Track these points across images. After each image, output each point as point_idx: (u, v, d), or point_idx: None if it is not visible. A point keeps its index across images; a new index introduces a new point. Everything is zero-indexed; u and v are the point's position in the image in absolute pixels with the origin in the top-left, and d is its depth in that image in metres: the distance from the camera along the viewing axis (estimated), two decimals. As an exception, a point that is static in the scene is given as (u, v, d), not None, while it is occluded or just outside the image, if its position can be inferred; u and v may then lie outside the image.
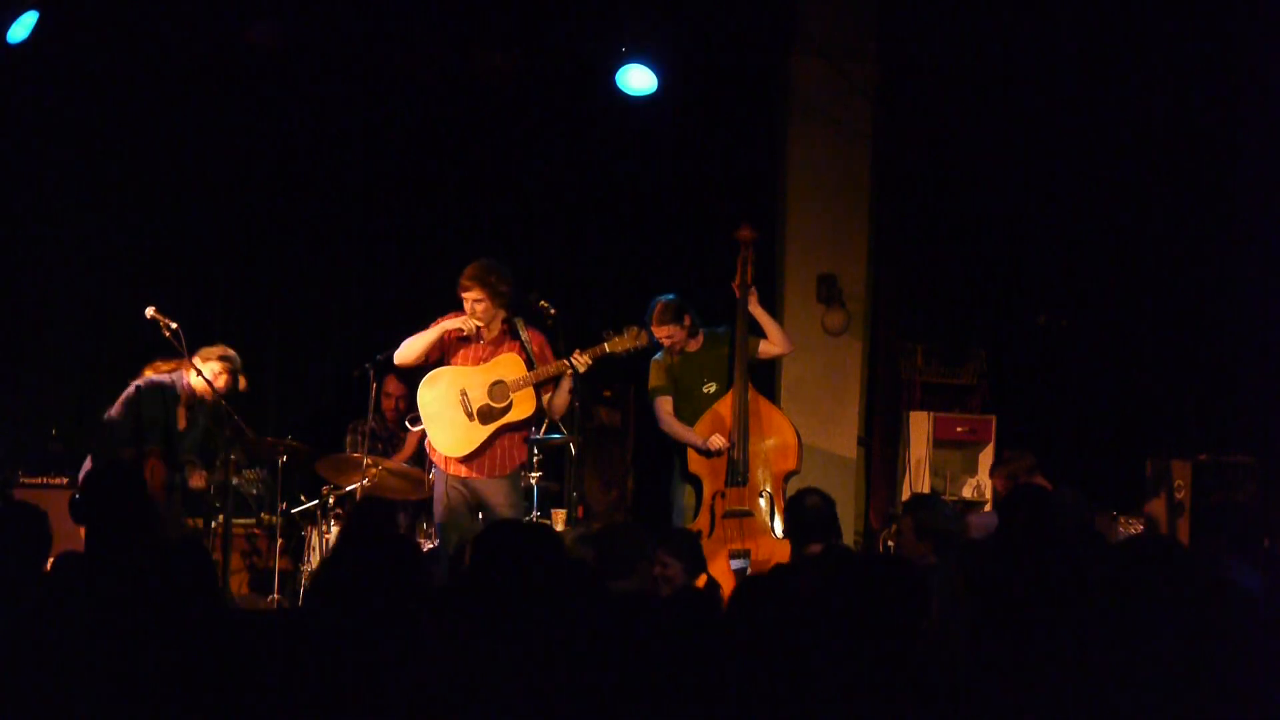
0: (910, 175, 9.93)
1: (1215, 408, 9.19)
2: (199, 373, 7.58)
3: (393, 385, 8.60)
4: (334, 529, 7.99)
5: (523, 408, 7.18)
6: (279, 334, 9.51)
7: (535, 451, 7.87)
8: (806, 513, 6.25)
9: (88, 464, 7.64)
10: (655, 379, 8.02)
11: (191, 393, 7.71)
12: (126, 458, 7.43)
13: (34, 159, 8.94)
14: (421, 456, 7.76)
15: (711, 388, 7.94)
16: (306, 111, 9.35)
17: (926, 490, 9.03)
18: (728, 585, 6.79)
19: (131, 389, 7.65)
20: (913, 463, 9.28)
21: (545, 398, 7.26)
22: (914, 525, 5.70)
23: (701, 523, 7.73)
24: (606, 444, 9.45)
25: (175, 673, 3.44)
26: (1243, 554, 5.72)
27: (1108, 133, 9.50)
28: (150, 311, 7.54)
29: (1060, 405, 9.65)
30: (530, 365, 7.19)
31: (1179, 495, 8.55)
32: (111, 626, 3.61)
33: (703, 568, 6.25)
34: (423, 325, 7.32)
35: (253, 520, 8.37)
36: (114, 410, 7.62)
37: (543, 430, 7.87)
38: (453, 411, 7.18)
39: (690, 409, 7.93)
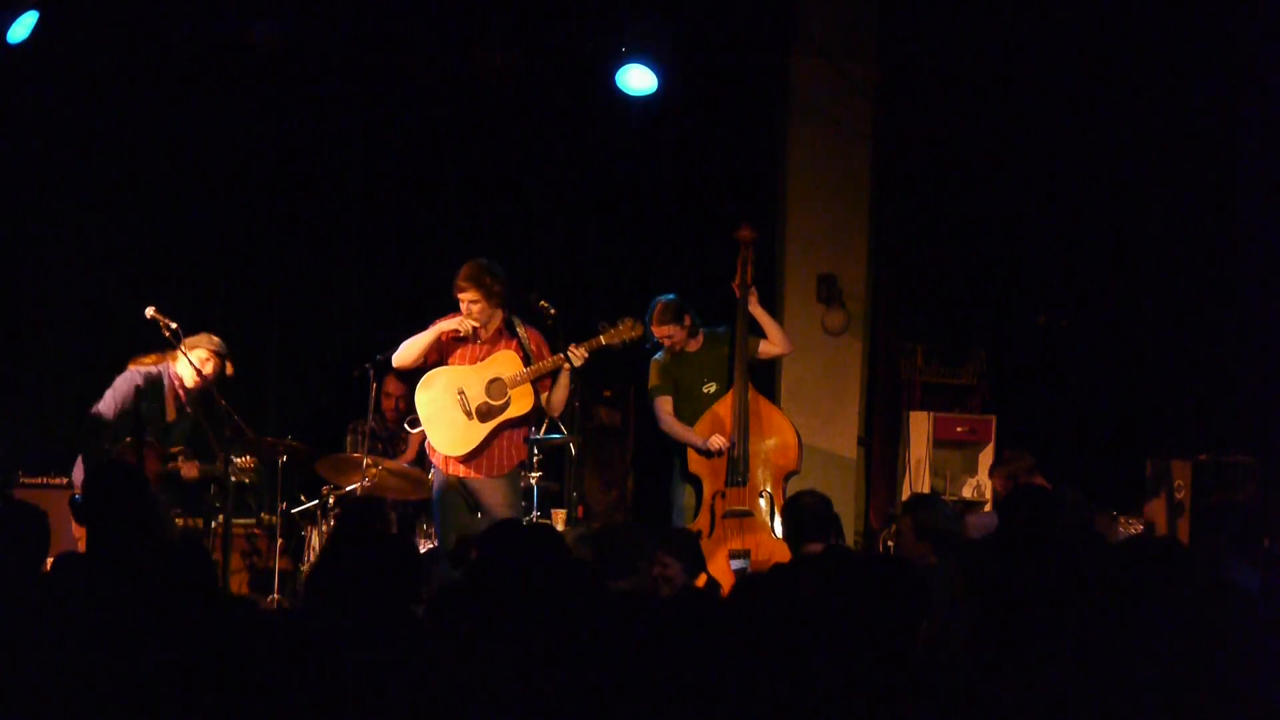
0: (910, 175, 9.93)
1: (1215, 408, 9.18)
2: (189, 361, 7.57)
3: (393, 385, 8.60)
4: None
5: (521, 404, 7.18)
6: (279, 334, 9.51)
7: (535, 451, 7.87)
8: (803, 513, 6.26)
9: (79, 463, 7.64)
10: (655, 379, 8.02)
11: (179, 383, 7.71)
12: (128, 450, 7.44)
13: (34, 159, 8.94)
14: (424, 458, 7.77)
15: (711, 388, 7.94)
16: (306, 111, 9.34)
17: (926, 490, 9.03)
18: (727, 585, 6.79)
19: (120, 383, 7.64)
20: (913, 463, 9.28)
21: (544, 396, 7.25)
22: (913, 525, 5.70)
23: (701, 523, 7.73)
24: (606, 444, 9.45)
25: (175, 673, 3.44)
26: (1243, 554, 5.71)
27: (1108, 133, 9.50)
28: (150, 311, 7.55)
29: (1060, 405, 9.64)
30: (528, 362, 7.19)
31: (1179, 495, 8.55)
32: (111, 626, 3.61)
33: (702, 567, 6.26)
34: (422, 325, 7.32)
35: (253, 520, 8.37)
36: (102, 406, 7.61)
37: (543, 430, 7.87)
38: (451, 411, 7.18)
39: (690, 409, 7.93)
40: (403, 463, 8.30)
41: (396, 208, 9.64)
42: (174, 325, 7.51)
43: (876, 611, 3.46)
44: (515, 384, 7.15)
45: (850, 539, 8.84)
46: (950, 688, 3.52)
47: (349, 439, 8.56)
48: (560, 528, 7.76)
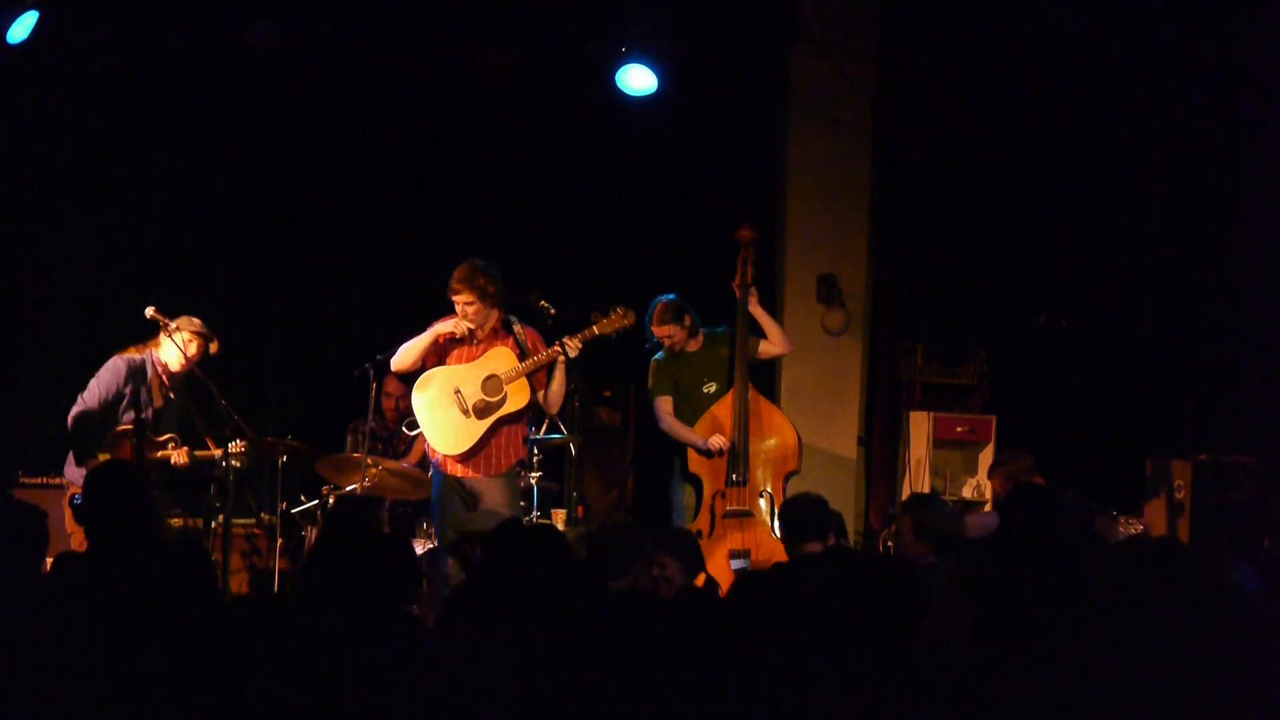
0: (910, 175, 9.92)
1: (1215, 408, 9.18)
2: (173, 343, 7.54)
3: (393, 385, 8.60)
4: (334, 529, 7.99)
5: (517, 399, 7.17)
6: (279, 334, 9.51)
7: (535, 451, 7.87)
8: (798, 514, 6.31)
9: (70, 460, 7.62)
10: (655, 379, 8.02)
11: (163, 368, 7.68)
12: (123, 439, 7.43)
13: (34, 159, 8.93)
14: (427, 460, 7.76)
15: (711, 388, 7.95)
16: (306, 111, 9.34)
17: (926, 490, 9.03)
18: (726, 585, 6.79)
19: (104, 372, 7.60)
20: (913, 463, 9.27)
21: (540, 394, 7.24)
22: (913, 525, 5.70)
23: (701, 523, 7.74)
24: (606, 444, 9.45)
25: (175, 672, 3.44)
26: (1243, 554, 5.72)
27: (1108, 133, 9.50)
28: (150, 311, 7.54)
29: (1060, 405, 9.64)
30: (523, 357, 7.19)
31: (1179, 495, 8.55)
32: (111, 626, 3.61)
33: (701, 567, 6.26)
34: (422, 326, 7.32)
35: (253, 520, 8.37)
36: (86, 395, 7.56)
37: (543, 430, 7.86)
38: (448, 411, 7.18)
39: (690, 409, 7.93)
40: (403, 463, 8.29)
41: (396, 208, 9.64)
42: (174, 325, 7.51)
43: (875, 611, 3.46)
44: (511, 379, 7.15)
45: (850, 539, 8.84)
46: (950, 688, 3.52)
47: (349, 439, 8.56)
48: (560, 528, 7.76)
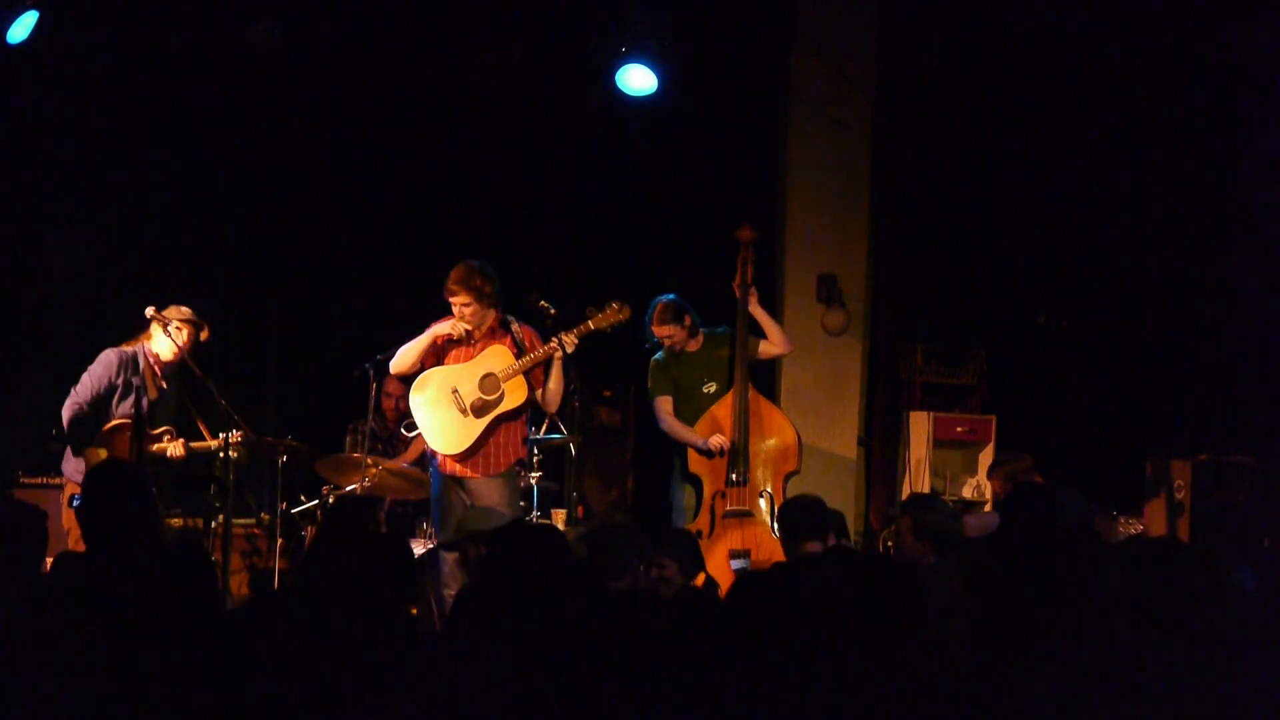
0: (910, 175, 9.93)
1: (1215, 408, 9.17)
2: (164, 332, 7.53)
3: (393, 385, 8.60)
4: (334, 529, 7.98)
5: (515, 396, 7.17)
6: (279, 334, 9.51)
7: (535, 451, 7.87)
8: (795, 515, 6.32)
9: (68, 455, 7.61)
10: (655, 379, 8.02)
11: (155, 359, 7.67)
12: (119, 432, 7.42)
13: (34, 159, 8.93)
14: (424, 459, 7.76)
15: (711, 388, 7.95)
16: (306, 111, 9.34)
17: (926, 490, 9.03)
18: (726, 585, 6.79)
19: (95, 366, 7.58)
20: (913, 463, 9.28)
21: (538, 392, 7.24)
22: (912, 525, 5.70)
23: (701, 523, 7.74)
24: (606, 444, 9.45)
25: (175, 673, 3.44)
26: (1243, 554, 5.72)
27: (1108, 133, 9.49)
28: (150, 311, 7.54)
29: (1060, 405, 9.64)
30: (520, 354, 7.19)
31: (1179, 495, 8.55)
32: (111, 627, 3.61)
33: (700, 567, 6.26)
34: (423, 326, 7.33)
35: (253, 520, 8.37)
36: (79, 389, 7.54)
37: (543, 430, 7.87)
38: (446, 411, 7.18)
39: (690, 409, 7.93)
40: (403, 463, 8.29)
41: (397, 208, 9.64)
42: (163, 315, 7.50)
43: (875, 611, 3.46)
44: (508, 376, 7.15)
45: (851, 539, 8.84)
46: (950, 688, 3.52)
47: (349, 439, 8.56)
48: (560, 528, 7.75)
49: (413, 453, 8.47)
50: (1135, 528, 8.42)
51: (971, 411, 9.60)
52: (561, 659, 3.56)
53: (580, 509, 8.11)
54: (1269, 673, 3.59)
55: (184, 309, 7.69)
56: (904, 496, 8.88)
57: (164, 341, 7.60)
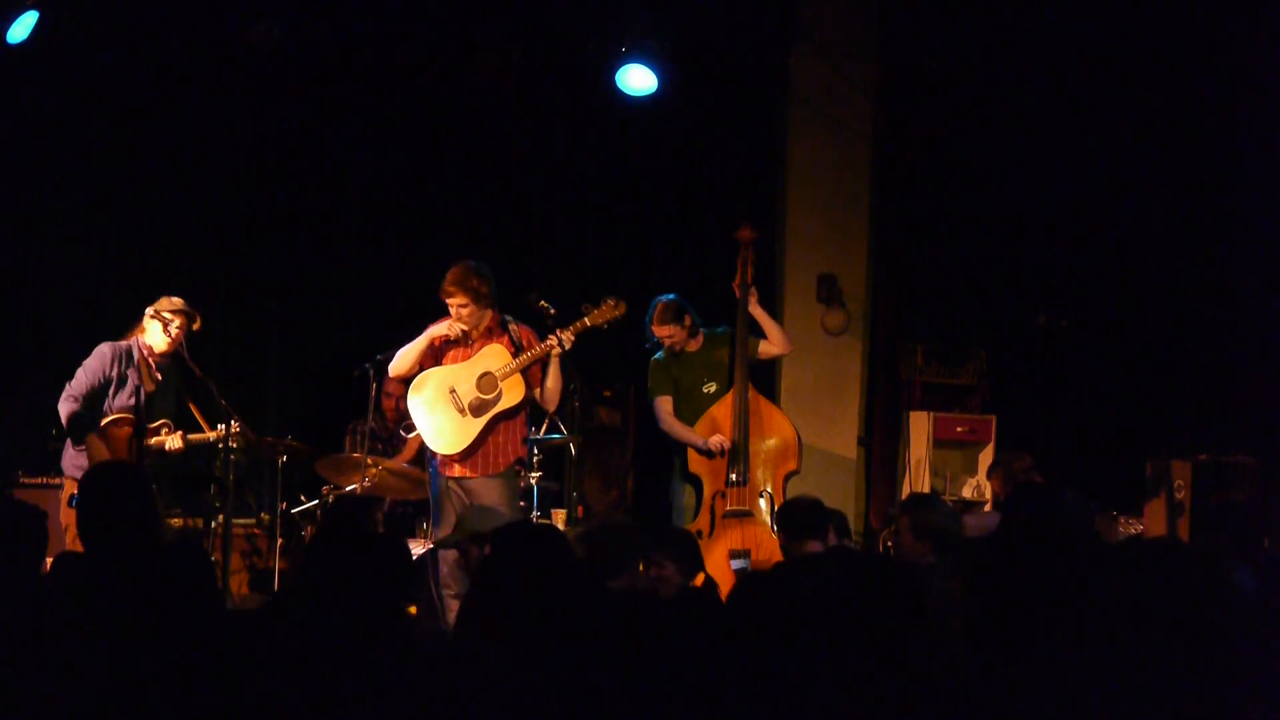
0: (910, 175, 9.93)
1: (1215, 408, 9.18)
2: (157, 324, 7.52)
3: (393, 385, 8.58)
4: (334, 529, 7.99)
5: (512, 395, 7.17)
6: (279, 334, 9.51)
7: (535, 451, 7.88)
8: (793, 516, 6.33)
9: (68, 448, 7.60)
10: (655, 379, 8.02)
11: (149, 352, 7.66)
12: (122, 430, 7.41)
13: (34, 159, 8.94)
14: (423, 459, 7.76)
15: (711, 388, 7.95)
16: (306, 111, 9.35)
17: (926, 490, 9.03)
18: (726, 585, 6.79)
19: (90, 361, 7.57)
20: (913, 463, 9.28)
21: (536, 390, 7.24)
22: (911, 525, 5.70)
23: (701, 523, 7.74)
24: (606, 444, 9.45)
25: (175, 673, 3.44)
26: (1242, 554, 5.71)
27: (1108, 133, 9.50)
28: (150, 312, 7.54)
29: (1060, 405, 9.64)
30: (517, 353, 7.19)
31: (1179, 495, 8.55)
32: (111, 627, 3.61)
33: (700, 567, 6.26)
34: (422, 326, 7.33)
35: (253, 520, 8.37)
36: (74, 384, 7.52)
37: (543, 430, 7.87)
38: (444, 411, 7.18)
39: (690, 409, 7.93)
40: (401, 462, 8.29)
41: (396, 208, 9.65)
42: (154, 307, 7.50)
43: (874, 611, 3.46)
44: (505, 375, 7.15)
45: (853, 539, 8.84)
46: (950, 688, 3.52)
47: (349, 439, 8.56)
48: (560, 528, 7.75)
49: (409, 451, 8.47)
50: (1135, 528, 8.42)
51: (971, 411, 9.60)
52: (561, 659, 3.56)
53: (580, 509, 8.11)
54: (1269, 673, 3.59)
55: (175, 300, 7.68)
56: (904, 496, 8.88)
57: (157, 333, 7.59)
